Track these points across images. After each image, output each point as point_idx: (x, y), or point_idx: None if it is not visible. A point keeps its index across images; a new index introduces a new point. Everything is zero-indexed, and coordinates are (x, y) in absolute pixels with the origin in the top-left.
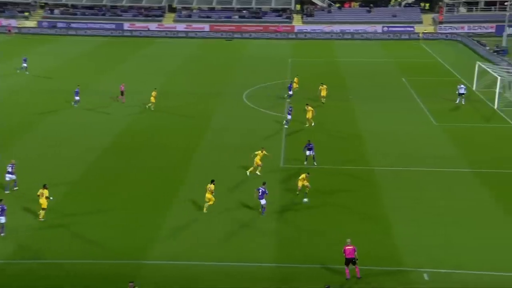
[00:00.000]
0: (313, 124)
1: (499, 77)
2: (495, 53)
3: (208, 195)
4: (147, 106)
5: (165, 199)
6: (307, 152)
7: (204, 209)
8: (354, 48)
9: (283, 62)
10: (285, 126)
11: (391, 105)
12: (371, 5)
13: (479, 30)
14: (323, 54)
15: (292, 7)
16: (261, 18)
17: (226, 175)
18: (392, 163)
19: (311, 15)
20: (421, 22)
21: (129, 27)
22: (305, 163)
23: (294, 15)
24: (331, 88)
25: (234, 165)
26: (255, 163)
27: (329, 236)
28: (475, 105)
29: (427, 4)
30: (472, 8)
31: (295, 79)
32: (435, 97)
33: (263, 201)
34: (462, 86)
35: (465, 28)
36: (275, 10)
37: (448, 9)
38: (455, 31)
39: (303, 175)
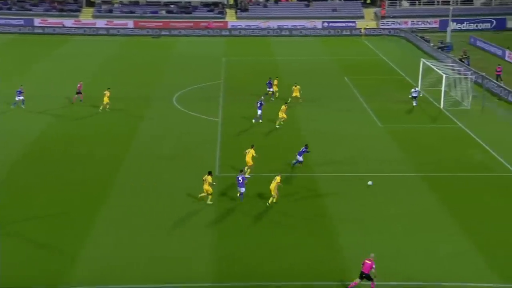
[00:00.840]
0: (281, 123)
1: (444, 75)
2: (440, 50)
3: (205, 187)
4: (100, 109)
5: (86, 217)
6: (299, 158)
7: (208, 201)
8: (293, 45)
9: (216, 61)
10: (254, 121)
11: (334, 106)
12: None
13: (422, 25)
14: (260, 52)
15: (225, 1)
16: (191, 13)
17: (155, 188)
18: (336, 168)
19: (245, 10)
20: (362, 17)
21: (40, 23)
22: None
23: (227, 10)
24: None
25: (165, 177)
26: (247, 162)
27: (271, 248)
28: (421, 105)
29: None
30: (415, 2)
31: (275, 81)
32: (379, 97)
33: (242, 189)
34: (416, 89)
35: (409, 23)
36: (206, 5)
37: (390, 3)
38: (398, 26)
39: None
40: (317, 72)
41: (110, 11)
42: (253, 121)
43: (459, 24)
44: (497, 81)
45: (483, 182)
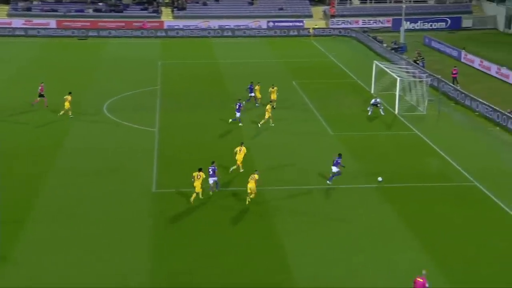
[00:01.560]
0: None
1: (398, 78)
2: (393, 51)
3: (196, 183)
4: (59, 114)
5: (2, 245)
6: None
7: (200, 195)
8: (236, 47)
9: (152, 65)
10: (231, 120)
11: (282, 113)
12: None
13: (374, 25)
14: (200, 55)
15: None
16: (122, 12)
17: (83, 209)
18: (285, 181)
19: (183, 9)
20: (311, 16)
21: None
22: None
23: (163, 9)
24: (211, 95)
25: (93, 196)
26: (238, 161)
27: (215, 271)
28: (374, 111)
29: None
30: (366, 0)
31: (257, 87)
32: (330, 103)
33: (213, 180)
34: (377, 100)
35: (360, 23)
36: (139, 3)
37: (340, 1)
38: (348, 26)
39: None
40: (262, 76)
41: (29, 9)
42: (230, 120)
43: (412, 24)
44: (453, 84)
45: (441, 192)
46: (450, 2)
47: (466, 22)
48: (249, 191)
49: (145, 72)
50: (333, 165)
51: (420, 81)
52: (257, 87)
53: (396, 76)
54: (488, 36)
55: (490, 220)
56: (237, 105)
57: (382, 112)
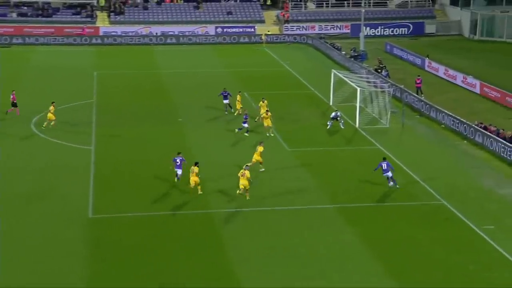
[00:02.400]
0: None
1: (358, 89)
2: (352, 59)
3: (193, 178)
4: (44, 126)
5: None
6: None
7: (199, 191)
8: (180, 55)
9: (86, 75)
10: (237, 130)
11: (232, 127)
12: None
13: (332, 31)
14: (141, 65)
15: (95, 2)
16: (50, 17)
17: (8, 236)
18: (238, 203)
19: (121, 13)
20: (263, 21)
21: None
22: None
23: (98, 13)
24: (154, 109)
25: (21, 222)
26: (254, 159)
27: None
28: (333, 124)
29: None
30: (323, 4)
31: (238, 97)
32: (286, 116)
33: (179, 171)
34: (337, 113)
35: (316, 28)
36: (70, 6)
37: (294, 4)
38: (304, 32)
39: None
40: (210, 87)
41: None
42: (236, 130)
43: (372, 29)
44: (417, 94)
45: (406, 212)
46: (412, 6)
47: (429, 28)
48: (242, 187)
49: (79, 84)
50: (386, 172)
51: (382, 92)
52: (238, 98)
53: (356, 86)
54: (453, 42)
55: (459, 242)
56: (244, 116)
57: (342, 126)
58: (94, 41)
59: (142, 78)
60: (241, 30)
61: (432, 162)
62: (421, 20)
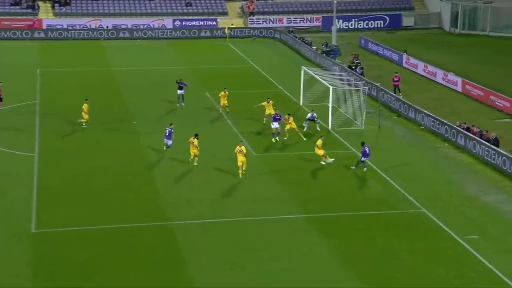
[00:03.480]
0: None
1: (331, 87)
2: (324, 55)
3: (192, 149)
4: (79, 121)
5: None
6: None
7: (195, 162)
8: (134, 51)
9: (28, 74)
10: (273, 140)
11: (192, 131)
12: None
13: (302, 24)
14: (90, 61)
15: None
16: None
17: None
18: (200, 213)
19: (67, 4)
20: (226, 13)
21: None
22: None
23: (41, 4)
24: (105, 111)
25: None
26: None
27: None
28: (310, 126)
29: None
30: None
31: (222, 93)
32: (252, 118)
33: (169, 142)
34: (314, 114)
35: (284, 21)
36: None
37: None
38: (271, 25)
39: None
40: (167, 86)
41: None
42: (273, 140)
43: (346, 22)
44: (395, 93)
45: (384, 222)
46: None
47: (407, 20)
48: (240, 164)
49: (19, 83)
50: (366, 156)
51: (357, 90)
52: (224, 93)
53: (328, 85)
54: (433, 36)
55: (441, 254)
56: (273, 117)
57: (318, 128)
58: (36, 35)
59: (92, 77)
60: (201, 23)
61: (411, 167)
62: (398, 12)
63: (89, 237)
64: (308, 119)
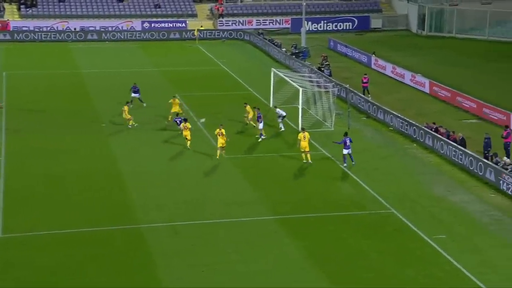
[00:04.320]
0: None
1: (301, 89)
2: (294, 56)
3: (185, 132)
4: (130, 125)
5: None
6: (344, 151)
7: (188, 145)
8: (103, 53)
9: None
10: (260, 139)
11: (162, 133)
12: None
13: (271, 26)
14: (58, 64)
15: None
16: None
17: None
18: (170, 216)
19: (33, 6)
20: (195, 15)
21: None
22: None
23: (6, 6)
24: (73, 114)
25: None
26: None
27: None
28: (274, 128)
29: None
30: None
31: (174, 100)
32: (221, 120)
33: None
34: (282, 113)
35: (253, 23)
36: None
37: None
38: (240, 27)
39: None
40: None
41: None
42: (259, 139)
43: (315, 24)
44: (364, 94)
45: (354, 223)
46: None
47: (375, 22)
48: (220, 145)
49: None
50: (347, 148)
51: (326, 92)
52: (174, 101)
53: (298, 87)
54: (400, 38)
55: (410, 254)
56: (257, 116)
57: (282, 126)
58: (2, 37)
59: (59, 79)
60: (171, 25)
61: (381, 168)
62: (366, 14)
63: (57, 241)
64: (281, 117)
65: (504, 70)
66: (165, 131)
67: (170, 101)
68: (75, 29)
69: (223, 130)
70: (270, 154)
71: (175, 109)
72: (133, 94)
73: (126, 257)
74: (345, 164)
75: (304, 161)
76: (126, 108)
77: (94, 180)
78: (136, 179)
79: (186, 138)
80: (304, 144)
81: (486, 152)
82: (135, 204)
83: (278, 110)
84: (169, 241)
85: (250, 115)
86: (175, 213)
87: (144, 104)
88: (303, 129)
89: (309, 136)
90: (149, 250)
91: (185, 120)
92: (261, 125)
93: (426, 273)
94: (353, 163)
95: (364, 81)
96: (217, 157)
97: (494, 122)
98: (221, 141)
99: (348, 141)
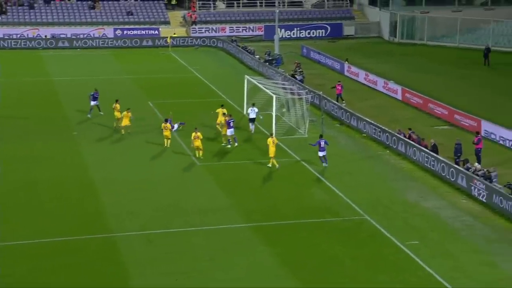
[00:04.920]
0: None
1: (274, 96)
2: (267, 63)
3: (165, 132)
4: (123, 131)
5: None
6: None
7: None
8: (74, 61)
9: None
10: (229, 146)
11: (135, 141)
12: None
13: (244, 33)
14: (28, 72)
15: None
16: None
17: None
18: (143, 224)
19: (2, 13)
20: (168, 22)
21: None
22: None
23: None
24: (44, 122)
25: None
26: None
27: None
28: (248, 134)
29: None
30: (233, 3)
31: (115, 105)
32: (196, 125)
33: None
34: (253, 108)
35: (227, 30)
36: None
37: (202, 4)
38: (214, 34)
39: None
40: (109, 96)
41: None
42: (228, 146)
43: (288, 31)
44: (337, 101)
45: (327, 229)
46: (329, 6)
47: (348, 30)
48: (195, 147)
49: None
50: (322, 150)
51: (300, 99)
52: (115, 106)
53: (271, 94)
54: (373, 45)
55: (383, 260)
56: (227, 122)
57: (252, 130)
58: None
59: (30, 87)
60: (143, 32)
61: (354, 175)
62: (339, 21)
63: (28, 251)
64: (252, 119)
65: (474, 77)
66: (138, 138)
67: (113, 106)
68: (45, 36)
69: (199, 134)
70: (243, 161)
71: (126, 122)
72: (92, 103)
73: (99, 266)
74: (325, 165)
75: (269, 165)
76: (117, 106)
77: (66, 189)
78: (109, 187)
79: (167, 138)
80: (273, 149)
81: (456, 157)
82: (108, 213)
83: (252, 108)
84: (143, 250)
85: (218, 119)
86: (148, 221)
87: (101, 113)
88: (271, 134)
89: (276, 141)
90: (122, 259)
91: (166, 121)
92: (229, 132)
93: (400, 279)
94: (326, 165)
95: (338, 88)
96: (196, 156)
97: (465, 128)
98: (197, 145)
99: (323, 143)
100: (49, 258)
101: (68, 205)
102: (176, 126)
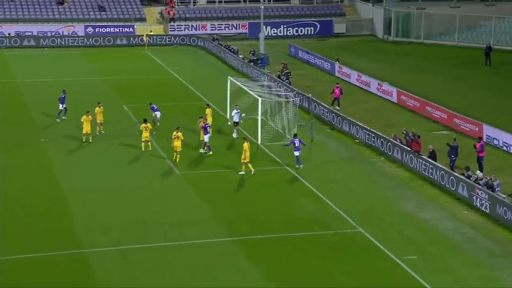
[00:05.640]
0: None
1: (260, 98)
2: (252, 63)
3: (145, 133)
4: (98, 133)
5: None
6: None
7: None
8: (41, 61)
9: None
10: (203, 151)
11: (108, 147)
12: None
13: (227, 31)
14: None
15: None
16: None
17: None
18: (117, 239)
19: None
20: (144, 19)
21: None
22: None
23: None
24: (8, 126)
25: None
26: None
27: None
28: (231, 141)
29: None
30: (215, 0)
31: (98, 108)
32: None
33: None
34: (237, 111)
35: (208, 28)
36: None
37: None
38: (194, 32)
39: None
40: (80, 99)
41: None
42: (202, 151)
43: (274, 29)
44: (332, 105)
45: (318, 243)
46: (318, 2)
47: (339, 27)
48: (175, 148)
49: None
50: (297, 150)
51: (287, 102)
52: (98, 109)
53: (257, 96)
54: (366, 44)
55: (378, 276)
56: (203, 128)
57: (235, 135)
58: None
59: None
60: (117, 30)
61: (346, 183)
62: (329, 18)
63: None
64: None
65: (474, 78)
66: (112, 144)
67: (96, 110)
68: (9, 34)
69: (180, 134)
70: (226, 170)
71: (100, 118)
72: (61, 106)
73: (70, 284)
74: (299, 166)
75: (241, 172)
76: (99, 109)
77: (32, 201)
78: (79, 198)
79: (146, 140)
80: (247, 154)
81: (450, 158)
82: (78, 226)
83: (237, 111)
84: (116, 267)
85: (209, 121)
86: (121, 236)
87: (64, 117)
88: (244, 139)
89: (249, 146)
90: (95, 276)
91: (145, 121)
92: (206, 137)
93: None
94: (300, 166)
95: (336, 91)
96: (173, 159)
97: (466, 133)
98: (176, 144)
99: (297, 142)
100: (14, 276)
101: (35, 219)
102: (158, 113)
